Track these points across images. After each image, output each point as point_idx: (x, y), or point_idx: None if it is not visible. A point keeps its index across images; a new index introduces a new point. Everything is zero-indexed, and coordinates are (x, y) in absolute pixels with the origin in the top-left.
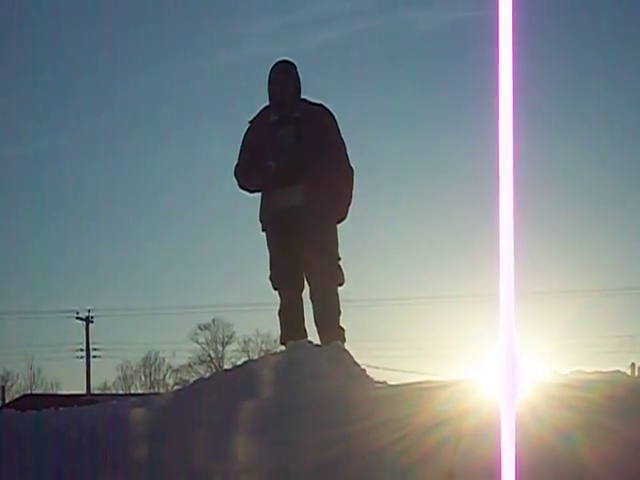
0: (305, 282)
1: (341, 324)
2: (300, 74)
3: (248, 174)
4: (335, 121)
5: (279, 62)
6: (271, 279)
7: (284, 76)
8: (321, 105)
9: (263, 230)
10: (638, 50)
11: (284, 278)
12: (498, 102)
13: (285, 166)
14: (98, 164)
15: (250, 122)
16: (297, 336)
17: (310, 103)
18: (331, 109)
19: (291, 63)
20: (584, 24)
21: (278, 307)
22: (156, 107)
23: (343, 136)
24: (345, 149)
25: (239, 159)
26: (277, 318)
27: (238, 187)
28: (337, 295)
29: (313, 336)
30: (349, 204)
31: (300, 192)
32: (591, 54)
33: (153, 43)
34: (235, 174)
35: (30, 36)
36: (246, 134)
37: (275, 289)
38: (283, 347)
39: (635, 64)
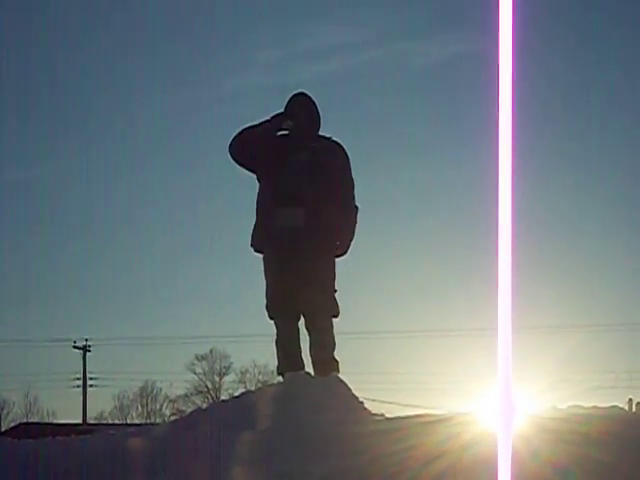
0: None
1: (336, 356)
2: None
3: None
4: (348, 160)
5: (302, 93)
6: (267, 308)
7: (309, 106)
8: (338, 143)
9: (257, 251)
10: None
11: (280, 308)
12: (498, 137)
13: (288, 186)
14: (98, 191)
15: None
16: (294, 367)
17: (327, 139)
18: (346, 148)
19: (312, 99)
20: (585, 54)
21: (275, 337)
22: (158, 136)
23: (353, 175)
24: (353, 188)
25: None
26: (274, 348)
27: (231, 150)
28: (332, 327)
29: (309, 367)
30: (351, 240)
31: (300, 215)
32: (588, 83)
33: (153, 72)
34: (240, 132)
35: (31, 53)
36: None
37: (271, 318)
38: (280, 378)
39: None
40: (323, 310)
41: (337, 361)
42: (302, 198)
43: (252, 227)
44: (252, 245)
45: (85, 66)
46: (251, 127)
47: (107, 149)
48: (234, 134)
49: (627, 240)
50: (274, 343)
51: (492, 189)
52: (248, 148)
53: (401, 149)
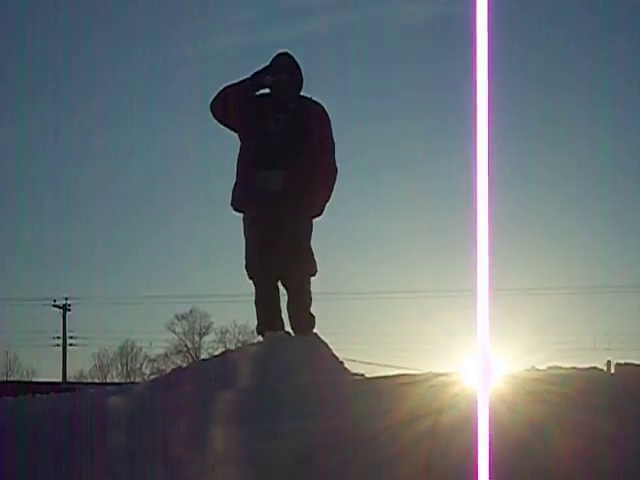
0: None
1: (312, 312)
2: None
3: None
4: (329, 121)
5: (285, 53)
6: (246, 268)
7: (290, 66)
8: (318, 103)
9: (236, 210)
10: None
11: (258, 268)
12: (476, 99)
13: (269, 148)
14: (77, 152)
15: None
16: (273, 327)
17: (308, 99)
18: (327, 109)
19: (295, 60)
20: (564, 19)
21: (254, 297)
22: (138, 97)
23: (335, 137)
24: (334, 150)
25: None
26: (254, 308)
27: (212, 108)
28: (309, 286)
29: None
30: (326, 201)
31: (279, 177)
32: (571, 49)
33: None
34: (221, 90)
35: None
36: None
37: (250, 278)
38: (260, 337)
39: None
40: (299, 269)
41: (313, 316)
42: (281, 161)
43: (232, 186)
44: (232, 204)
45: (65, 24)
46: (232, 85)
47: (88, 108)
48: (215, 92)
49: (606, 201)
50: (254, 303)
51: (471, 150)
52: (229, 106)
53: (383, 113)
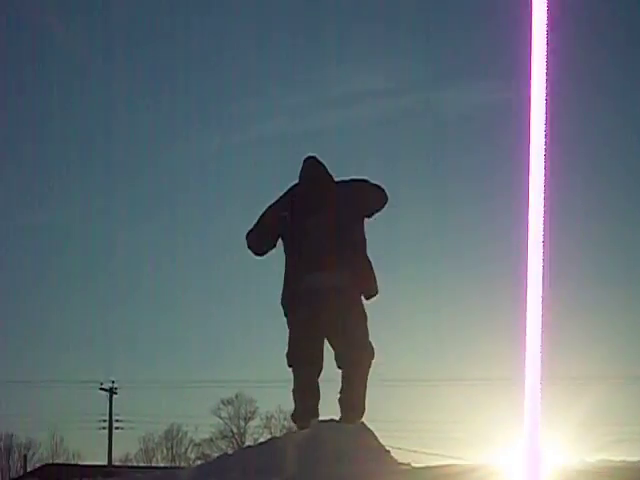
0: (322, 362)
1: (364, 404)
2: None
3: (259, 234)
4: (366, 180)
5: (310, 157)
6: (288, 355)
7: (314, 167)
8: (352, 180)
9: (286, 315)
10: None
11: (303, 355)
12: (528, 189)
13: (315, 253)
14: (123, 237)
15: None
16: (310, 416)
17: (345, 182)
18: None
19: (320, 163)
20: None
21: (292, 386)
22: (185, 185)
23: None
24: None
25: (254, 226)
26: (292, 396)
27: (248, 247)
28: (368, 373)
29: (327, 414)
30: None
31: (326, 277)
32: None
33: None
34: (247, 235)
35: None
36: (266, 212)
37: (290, 366)
38: (294, 424)
39: None
40: (360, 365)
41: (364, 407)
42: (325, 261)
43: (282, 287)
44: (282, 304)
45: (109, 107)
46: (252, 231)
47: (128, 198)
48: (246, 239)
49: None
50: (292, 392)
51: (520, 239)
52: (261, 247)
53: (430, 200)
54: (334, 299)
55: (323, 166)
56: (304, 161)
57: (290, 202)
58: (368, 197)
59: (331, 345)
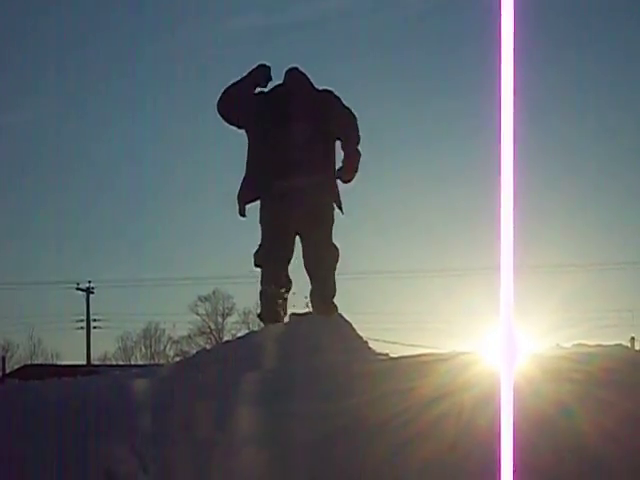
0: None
1: (334, 302)
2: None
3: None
4: (341, 102)
5: (294, 69)
6: (256, 255)
7: (301, 78)
8: (327, 91)
9: (240, 213)
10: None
11: (273, 256)
12: (500, 71)
13: (293, 158)
14: (98, 132)
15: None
16: (275, 319)
17: (319, 92)
18: (335, 92)
19: (304, 74)
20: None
21: (259, 288)
22: (156, 78)
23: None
24: (356, 122)
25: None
26: (259, 294)
27: (219, 108)
28: (333, 276)
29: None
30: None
31: (300, 182)
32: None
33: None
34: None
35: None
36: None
37: (257, 266)
38: (261, 322)
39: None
40: (325, 259)
41: (335, 307)
42: (301, 169)
43: (240, 187)
44: (240, 200)
45: (78, 5)
46: (233, 85)
47: (105, 89)
48: (220, 93)
49: (632, 175)
50: (258, 294)
51: (495, 127)
52: (234, 106)
53: (402, 89)
54: (308, 199)
55: (306, 77)
56: (287, 72)
57: (272, 101)
58: (348, 132)
59: (302, 243)
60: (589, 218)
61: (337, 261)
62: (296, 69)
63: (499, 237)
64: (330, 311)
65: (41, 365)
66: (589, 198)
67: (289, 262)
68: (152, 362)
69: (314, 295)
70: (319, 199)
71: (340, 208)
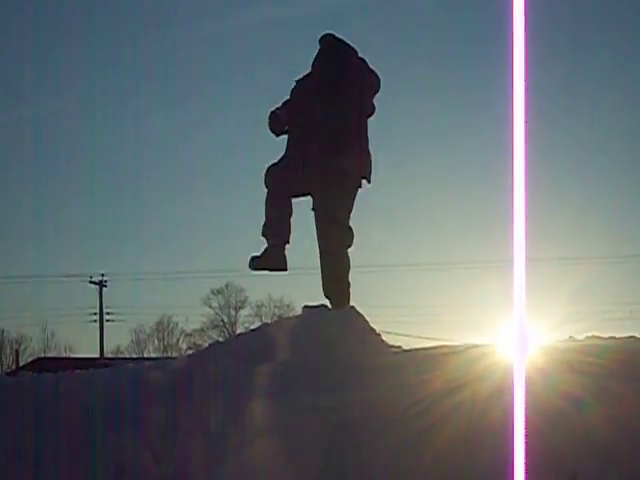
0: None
1: (349, 281)
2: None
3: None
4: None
5: (329, 35)
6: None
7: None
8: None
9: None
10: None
11: (280, 181)
12: (513, 71)
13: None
14: (112, 125)
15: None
16: (278, 233)
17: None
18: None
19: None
20: None
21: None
22: (161, 71)
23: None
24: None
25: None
26: (262, 238)
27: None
28: (344, 253)
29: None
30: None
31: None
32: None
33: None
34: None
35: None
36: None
37: (267, 187)
38: (264, 240)
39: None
40: (324, 235)
41: (348, 288)
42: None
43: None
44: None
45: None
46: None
47: (114, 83)
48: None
49: None
50: (264, 204)
51: (508, 120)
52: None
53: (420, 80)
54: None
55: (343, 42)
56: (320, 40)
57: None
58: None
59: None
60: (600, 211)
61: (350, 245)
62: (330, 35)
63: (512, 230)
64: (339, 292)
65: (54, 358)
66: (601, 191)
67: (294, 196)
68: (165, 355)
69: (325, 279)
70: (332, 162)
71: (366, 178)
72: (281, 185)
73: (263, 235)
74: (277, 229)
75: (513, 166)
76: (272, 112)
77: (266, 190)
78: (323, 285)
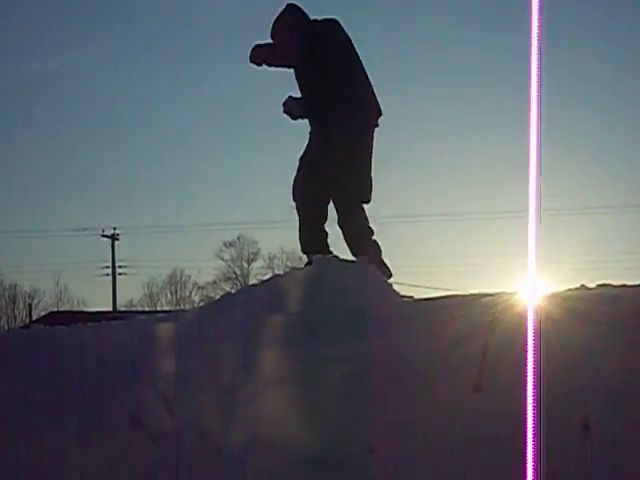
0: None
1: (373, 239)
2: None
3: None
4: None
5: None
6: (293, 193)
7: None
8: (331, 24)
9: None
10: None
11: (303, 190)
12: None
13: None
14: (125, 77)
15: None
16: (316, 247)
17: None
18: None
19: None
20: None
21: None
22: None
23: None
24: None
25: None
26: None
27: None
28: (361, 211)
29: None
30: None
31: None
32: None
33: None
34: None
35: None
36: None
37: (294, 202)
38: (305, 257)
39: None
40: (346, 191)
41: (376, 243)
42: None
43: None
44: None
45: None
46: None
47: (126, 37)
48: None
49: None
50: (298, 227)
51: (524, 73)
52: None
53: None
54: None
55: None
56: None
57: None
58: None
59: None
60: (616, 159)
61: (366, 199)
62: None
63: (527, 180)
64: (367, 252)
65: (67, 312)
66: (615, 140)
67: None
68: (177, 308)
69: (344, 235)
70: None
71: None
72: (309, 200)
73: (304, 252)
74: (316, 248)
75: (529, 115)
76: (286, 100)
77: (295, 205)
78: (349, 246)
